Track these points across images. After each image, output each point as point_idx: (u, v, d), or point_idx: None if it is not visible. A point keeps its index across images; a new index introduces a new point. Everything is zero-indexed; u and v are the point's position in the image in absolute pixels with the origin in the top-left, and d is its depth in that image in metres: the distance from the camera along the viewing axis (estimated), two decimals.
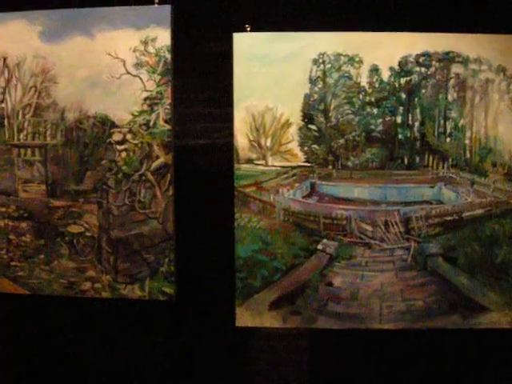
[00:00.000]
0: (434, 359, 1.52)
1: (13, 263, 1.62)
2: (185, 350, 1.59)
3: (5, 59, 1.56)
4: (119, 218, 1.54)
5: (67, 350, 1.62)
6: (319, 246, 1.51)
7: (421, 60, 1.45)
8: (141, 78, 1.50)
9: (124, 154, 1.51)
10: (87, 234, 1.57)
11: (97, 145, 1.52)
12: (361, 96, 1.46)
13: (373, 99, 1.46)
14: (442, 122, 1.47)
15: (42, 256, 1.60)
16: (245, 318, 1.51)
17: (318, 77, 1.46)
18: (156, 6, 1.47)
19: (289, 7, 1.48)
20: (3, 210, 1.61)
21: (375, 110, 1.47)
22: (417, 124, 1.46)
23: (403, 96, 1.46)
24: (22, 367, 1.65)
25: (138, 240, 1.54)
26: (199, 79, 1.50)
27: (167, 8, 1.47)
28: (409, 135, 1.47)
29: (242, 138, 1.50)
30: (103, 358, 1.61)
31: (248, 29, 1.45)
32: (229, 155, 1.50)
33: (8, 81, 1.56)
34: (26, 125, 1.57)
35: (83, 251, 1.57)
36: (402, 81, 1.45)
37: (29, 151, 1.58)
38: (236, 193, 1.51)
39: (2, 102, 1.57)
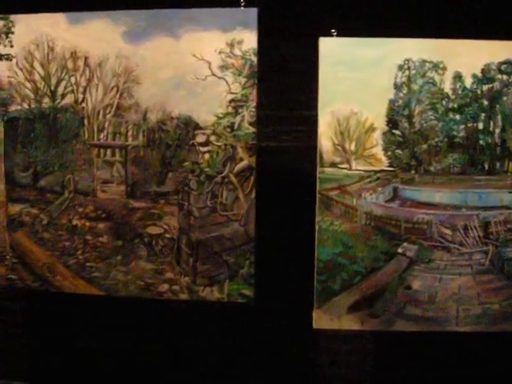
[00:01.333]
0: (509, 362, 1.69)
1: (89, 264, 1.76)
2: (262, 351, 1.74)
3: (86, 58, 1.68)
4: (200, 219, 1.68)
5: (144, 352, 1.76)
6: (399, 250, 1.67)
7: (503, 68, 1.61)
8: (226, 81, 1.63)
9: (207, 156, 1.65)
10: (167, 235, 1.71)
11: (179, 146, 1.66)
12: (444, 102, 1.62)
13: (455, 105, 1.63)
14: None
15: (119, 257, 1.74)
16: (322, 320, 1.67)
17: (403, 82, 1.61)
18: (242, 8, 1.59)
19: (375, 13, 1.62)
20: (81, 210, 1.74)
21: (458, 116, 1.63)
22: (498, 130, 1.63)
23: (485, 103, 1.62)
24: (98, 369, 1.79)
25: (219, 242, 1.69)
26: (284, 82, 1.65)
27: (253, 11, 1.60)
28: (490, 141, 1.65)
29: (326, 142, 1.65)
30: (181, 360, 1.75)
31: (334, 33, 1.58)
32: (312, 158, 1.65)
33: (89, 80, 1.69)
34: (106, 125, 1.70)
35: (162, 253, 1.71)
36: (484, 88, 1.61)
37: (109, 151, 1.71)
38: (319, 196, 1.66)
39: (83, 101, 1.70)
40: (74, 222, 1.74)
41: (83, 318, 1.79)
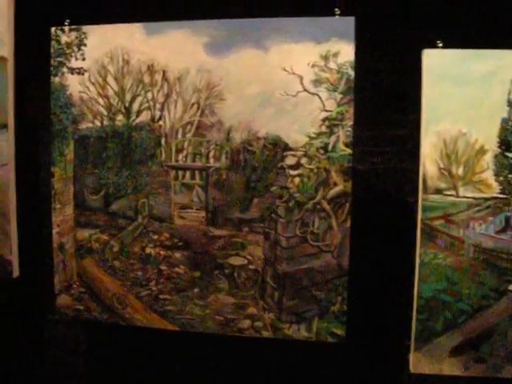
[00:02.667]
0: None
1: (163, 296, 1.73)
2: None
3: (164, 72, 1.66)
4: (288, 250, 1.64)
5: None
6: (511, 287, 1.59)
7: None
8: (319, 97, 1.59)
9: (297, 180, 1.61)
10: (250, 266, 1.67)
11: (267, 169, 1.62)
12: None
13: None
14: None
15: (196, 290, 1.71)
16: (421, 364, 1.62)
17: None
18: (338, 17, 1.54)
19: (485, 22, 1.55)
20: (155, 237, 1.72)
21: None
22: None
23: None
24: None
25: (308, 275, 1.64)
26: (384, 99, 1.59)
27: (350, 20, 1.55)
28: None
29: (430, 165, 1.59)
30: None
31: (440, 45, 1.52)
32: (415, 184, 1.59)
33: (167, 96, 1.67)
34: (185, 145, 1.67)
35: (245, 286, 1.67)
36: None
37: (188, 174, 1.68)
38: (421, 225, 1.59)
39: (160, 119, 1.67)
40: (148, 251, 1.72)
41: (155, 354, 1.79)
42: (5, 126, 1.80)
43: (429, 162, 1.59)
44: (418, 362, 1.67)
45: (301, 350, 1.71)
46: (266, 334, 1.70)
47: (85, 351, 1.88)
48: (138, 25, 1.68)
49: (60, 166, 1.77)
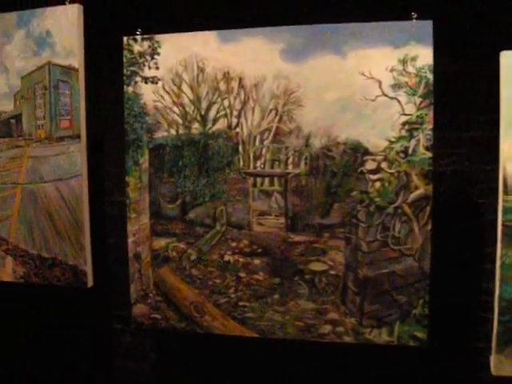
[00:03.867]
0: None
1: (242, 303, 1.92)
2: None
3: (241, 79, 1.84)
4: (369, 255, 1.82)
5: None
6: None
7: None
8: (399, 101, 1.77)
9: (378, 185, 1.78)
10: (331, 272, 1.85)
11: (346, 174, 1.80)
12: None
13: None
14: None
15: (276, 296, 1.89)
16: (503, 366, 1.79)
17: None
18: (415, 21, 1.71)
19: None
20: (234, 244, 1.90)
21: None
22: None
23: None
24: None
25: (390, 279, 1.82)
26: (463, 102, 1.76)
27: (428, 24, 1.72)
28: None
29: (511, 166, 1.74)
30: None
31: None
32: (495, 185, 1.75)
33: (244, 103, 1.85)
34: (263, 151, 1.85)
35: (325, 291, 1.85)
36: None
37: (266, 180, 1.87)
38: (502, 227, 1.75)
39: (237, 126, 1.85)
40: (227, 258, 1.90)
41: (234, 361, 1.99)
42: (77, 137, 1.98)
43: (509, 162, 1.73)
44: (500, 365, 1.82)
45: (382, 355, 1.85)
46: (347, 339, 1.88)
47: (162, 360, 2.05)
48: (212, 32, 1.87)
49: (135, 175, 1.95)
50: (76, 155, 2.05)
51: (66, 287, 2.13)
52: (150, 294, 2.02)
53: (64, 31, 2.05)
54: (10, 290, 2.28)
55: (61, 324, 2.25)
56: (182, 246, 1.97)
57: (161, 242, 1.99)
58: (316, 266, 1.89)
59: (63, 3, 2.04)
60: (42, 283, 2.18)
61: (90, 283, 2.10)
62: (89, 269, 2.09)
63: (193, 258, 1.96)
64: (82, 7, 2.04)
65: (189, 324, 2.00)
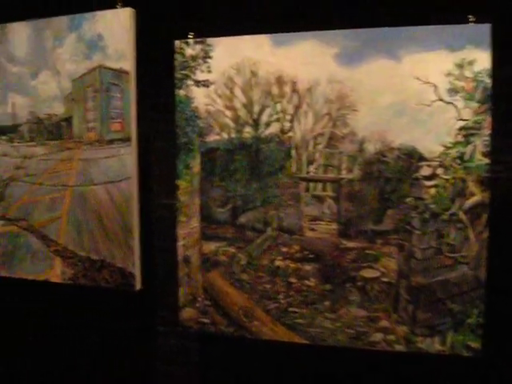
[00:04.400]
0: None
1: (292, 309, 1.99)
2: None
3: (294, 83, 1.91)
4: (423, 262, 1.87)
5: None
6: None
7: None
8: (455, 106, 1.81)
9: (433, 191, 1.83)
10: (383, 279, 1.90)
11: (401, 180, 1.85)
12: None
13: None
14: None
15: (327, 303, 1.96)
16: None
17: None
18: (472, 24, 1.75)
19: None
20: (285, 250, 1.97)
21: None
22: None
23: None
24: None
25: (443, 287, 1.87)
26: None
27: (486, 27, 1.76)
28: None
29: None
30: None
31: None
32: None
33: (297, 107, 1.92)
34: (317, 156, 1.92)
35: (377, 298, 1.90)
36: None
37: (319, 186, 1.93)
38: None
39: (290, 130, 1.92)
40: (277, 263, 1.97)
41: (283, 367, 2.17)
42: (128, 140, 2.07)
43: None
44: None
45: (435, 364, 1.90)
46: (398, 347, 1.94)
47: (210, 365, 2.13)
48: (265, 36, 1.94)
49: (185, 178, 2.04)
50: (126, 158, 2.15)
51: (113, 289, 2.21)
52: (199, 298, 2.11)
53: (115, 35, 2.15)
54: (58, 291, 2.38)
55: (107, 325, 2.35)
56: (232, 250, 2.05)
57: (211, 246, 2.08)
58: (368, 273, 1.95)
59: (115, 7, 2.11)
60: (90, 285, 2.26)
61: (138, 286, 2.18)
62: (137, 271, 2.19)
63: (243, 262, 2.04)
64: (133, 11, 2.13)
65: (237, 329, 2.08)
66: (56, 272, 2.38)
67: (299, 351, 2.08)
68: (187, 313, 2.17)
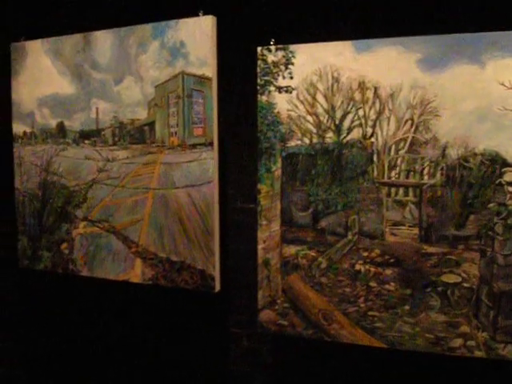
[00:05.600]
0: None
1: (371, 313, 2.20)
2: None
3: (376, 89, 2.12)
4: (505, 268, 2.05)
5: None
6: None
7: None
8: None
9: None
10: (465, 284, 2.09)
11: (484, 185, 2.04)
12: None
13: None
14: None
15: (406, 307, 2.16)
16: None
17: None
18: None
19: None
20: (365, 254, 2.18)
21: None
22: None
23: None
24: None
25: None
26: None
27: None
28: None
29: None
30: None
31: None
32: None
33: (379, 113, 2.13)
34: (398, 161, 2.12)
35: (458, 304, 2.09)
36: None
37: (401, 191, 2.13)
38: None
39: (372, 136, 2.13)
40: (357, 267, 2.19)
41: (360, 370, 2.34)
42: (210, 144, 2.35)
43: None
44: None
45: None
46: (478, 353, 2.12)
47: (280, 366, 2.38)
48: (347, 43, 2.16)
49: (267, 183, 2.29)
50: (208, 162, 2.42)
51: (192, 291, 2.49)
52: (278, 301, 2.36)
53: (197, 42, 2.43)
54: (137, 291, 2.68)
55: (185, 326, 2.62)
56: (312, 253, 2.29)
57: (291, 250, 2.32)
58: (449, 278, 2.15)
59: (197, 15, 2.40)
60: (170, 286, 2.55)
61: (218, 288, 2.45)
62: (217, 274, 2.45)
63: (323, 266, 2.27)
64: (215, 18, 2.40)
65: (316, 331, 2.32)
66: (136, 273, 2.68)
67: (377, 355, 2.28)
68: (266, 315, 2.42)
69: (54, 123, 2.88)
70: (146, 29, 2.53)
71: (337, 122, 2.21)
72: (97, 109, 2.71)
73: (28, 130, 2.97)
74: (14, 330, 3.21)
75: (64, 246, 2.86)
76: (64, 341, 3.07)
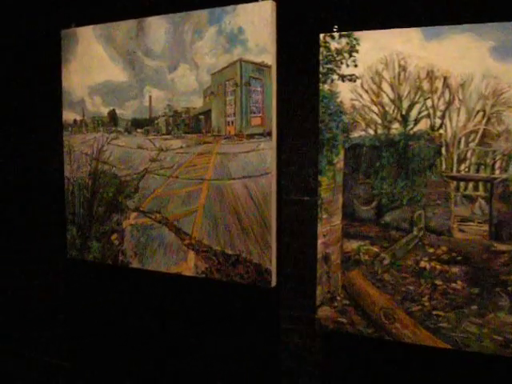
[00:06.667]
0: None
1: (436, 312, 2.14)
2: None
3: (445, 78, 2.06)
4: None
5: None
6: None
7: None
8: None
9: None
10: None
11: None
12: None
13: None
14: None
15: (474, 307, 2.11)
16: None
17: None
18: None
19: None
20: (431, 250, 2.13)
21: None
22: None
23: None
24: None
25: None
26: None
27: None
28: None
29: None
30: None
31: None
32: None
33: (449, 103, 2.07)
34: (468, 154, 2.06)
35: None
36: None
37: (470, 185, 2.08)
38: None
39: (441, 127, 2.07)
40: (422, 264, 2.14)
41: (427, 372, 2.31)
42: (268, 134, 2.32)
43: None
44: None
45: None
46: None
47: (331, 364, 2.35)
48: (415, 29, 2.10)
49: (328, 175, 2.26)
50: (266, 153, 2.41)
51: (246, 285, 2.48)
52: (338, 297, 2.33)
53: (257, 28, 2.40)
54: (190, 284, 2.68)
55: (239, 321, 2.62)
56: (374, 249, 2.25)
57: (352, 245, 2.29)
58: None
59: (256, 0, 2.37)
60: (224, 280, 2.55)
61: (274, 283, 2.44)
62: (273, 268, 2.43)
63: (386, 262, 2.24)
64: (275, 3, 2.37)
65: (377, 330, 2.29)
66: (189, 265, 2.68)
67: (441, 356, 2.25)
68: (324, 311, 2.40)
69: (105, 111, 2.88)
70: (202, 14, 2.52)
71: (403, 113, 2.17)
72: (150, 97, 2.70)
73: (78, 118, 2.99)
74: (61, 321, 3.23)
75: (114, 236, 2.88)
76: (112, 334, 3.11)
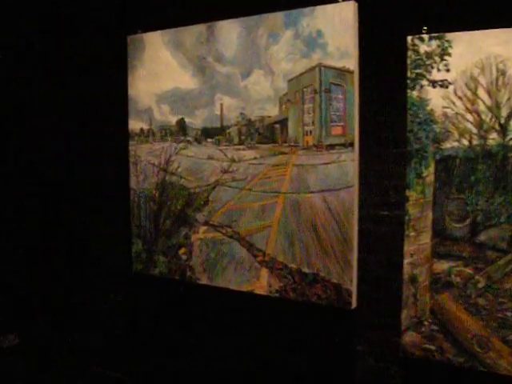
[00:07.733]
0: None
1: None
2: None
3: None
4: None
5: None
6: None
7: None
8: None
9: None
10: None
11: None
12: None
13: None
14: None
15: None
16: None
17: None
18: None
19: None
20: None
21: None
22: None
23: None
24: None
25: None
26: None
27: None
28: None
29: None
30: None
31: None
32: None
33: None
34: None
35: None
36: None
37: None
38: None
39: None
40: None
41: None
42: (350, 145, 2.18)
43: None
44: None
45: None
46: None
47: None
48: None
49: (417, 189, 2.10)
50: (348, 165, 2.27)
51: (323, 306, 2.34)
52: (425, 322, 2.18)
53: (337, 31, 2.28)
54: (263, 303, 2.56)
55: (315, 344, 2.49)
56: (468, 271, 2.09)
57: (443, 265, 2.13)
58: None
59: (336, 1, 2.24)
60: (300, 300, 2.42)
61: (354, 304, 2.29)
62: (354, 288, 2.29)
63: (481, 285, 2.07)
64: (356, 4, 2.24)
65: (468, 359, 2.11)
66: (262, 284, 2.57)
67: None
68: (410, 337, 2.25)
69: (173, 120, 2.82)
70: (278, 17, 2.42)
71: (502, 121, 2.01)
72: (221, 105, 2.62)
73: (145, 127, 2.93)
74: (125, 336, 3.17)
75: (182, 251, 2.81)
76: (177, 352, 3.03)
